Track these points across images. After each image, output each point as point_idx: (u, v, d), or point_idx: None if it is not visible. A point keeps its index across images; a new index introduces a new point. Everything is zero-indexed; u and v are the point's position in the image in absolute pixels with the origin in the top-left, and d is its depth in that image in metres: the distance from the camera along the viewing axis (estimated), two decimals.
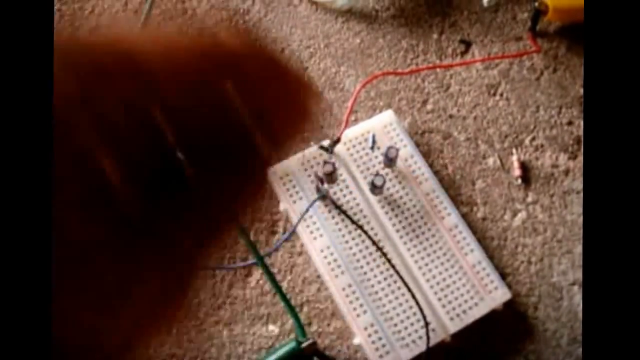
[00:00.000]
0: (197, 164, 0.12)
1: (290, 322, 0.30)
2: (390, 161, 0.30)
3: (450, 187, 0.32)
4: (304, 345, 0.28)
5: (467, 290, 0.29)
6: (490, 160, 0.33)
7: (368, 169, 0.31)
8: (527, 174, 0.33)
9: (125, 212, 0.12)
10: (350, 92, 0.34)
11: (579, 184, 0.32)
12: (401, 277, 0.29)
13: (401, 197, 0.30)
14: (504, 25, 0.36)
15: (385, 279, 0.29)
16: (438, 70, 0.35)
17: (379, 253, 0.29)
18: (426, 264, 0.29)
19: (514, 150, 0.33)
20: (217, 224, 0.14)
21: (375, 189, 0.30)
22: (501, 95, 0.34)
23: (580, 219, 0.31)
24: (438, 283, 0.29)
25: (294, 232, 0.31)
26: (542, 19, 0.35)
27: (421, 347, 0.28)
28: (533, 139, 0.33)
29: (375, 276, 0.29)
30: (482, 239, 0.31)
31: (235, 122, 0.13)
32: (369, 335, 0.28)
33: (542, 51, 0.35)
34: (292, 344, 0.28)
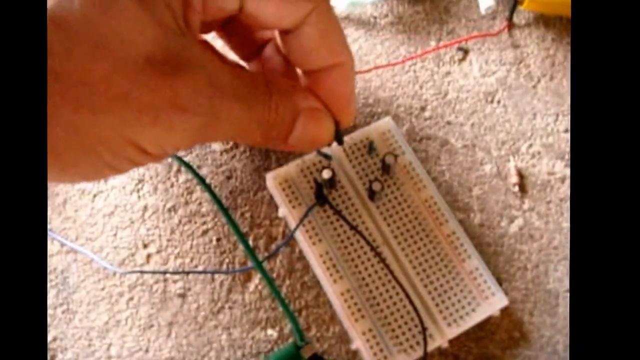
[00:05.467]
0: None
1: (289, 326, 0.30)
2: (388, 168, 0.31)
3: (448, 194, 0.33)
4: (302, 349, 0.28)
5: (465, 296, 0.29)
6: (487, 167, 0.33)
7: (367, 175, 0.31)
8: (523, 181, 0.33)
9: None
10: None
11: None
12: (399, 283, 0.29)
13: (399, 204, 0.31)
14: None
15: (383, 284, 0.29)
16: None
17: (377, 258, 0.30)
18: (424, 270, 0.30)
19: (511, 158, 0.33)
20: None
21: (373, 195, 0.30)
22: (498, 102, 0.35)
23: None
24: (436, 289, 0.29)
25: (292, 238, 0.31)
26: (518, 8, 0.36)
27: (418, 352, 0.28)
28: (530, 146, 0.34)
29: (373, 281, 0.29)
30: (479, 246, 0.31)
31: None
32: (367, 340, 0.28)
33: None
34: (291, 348, 0.28)
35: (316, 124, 0.24)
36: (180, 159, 0.31)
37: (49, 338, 0.30)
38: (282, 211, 0.31)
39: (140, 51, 0.17)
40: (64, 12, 0.16)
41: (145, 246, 0.32)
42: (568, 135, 0.34)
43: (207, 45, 0.24)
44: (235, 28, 0.25)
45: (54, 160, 0.17)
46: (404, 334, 0.28)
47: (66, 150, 0.17)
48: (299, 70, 0.26)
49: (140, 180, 0.33)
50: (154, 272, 0.31)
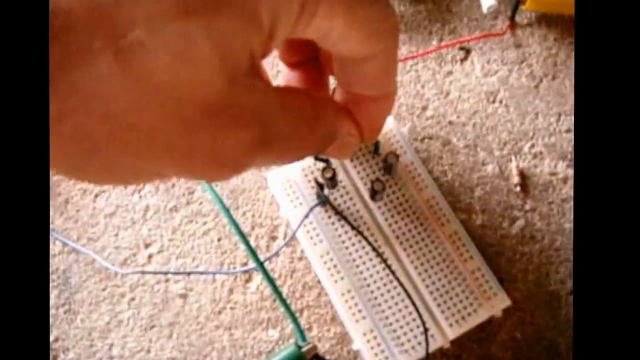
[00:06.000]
0: None
1: (290, 326, 0.30)
2: (390, 167, 0.31)
3: (450, 194, 0.32)
4: (303, 349, 0.28)
5: (466, 297, 0.29)
6: (489, 168, 0.33)
7: (368, 175, 0.31)
8: (525, 181, 0.33)
9: None
10: None
11: None
12: (400, 283, 0.29)
13: (401, 204, 0.31)
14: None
15: (384, 284, 0.29)
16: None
17: (378, 259, 0.29)
18: (425, 270, 0.30)
19: (512, 158, 0.33)
20: None
21: (375, 194, 0.30)
22: (500, 102, 0.35)
23: None
24: (437, 289, 0.29)
25: (294, 238, 0.31)
26: (520, 8, 0.36)
27: (420, 353, 0.28)
28: (532, 146, 0.34)
29: (374, 282, 0.29)
30: (481, 246, 0.31)
31: None
32: (368, 341, 0.28)
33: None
34: (292, 349, 0.28)
35: (347, 148, 0.25)
36: None
37: (51, 338, 0.30)
38: (284, 211, 0.31)
39: (200, 103, 0.16)
40: (135, 48, 0.14)
41: (146, 246, 0.32)
42: (570, 136, 0.34)
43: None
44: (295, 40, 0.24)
45: (79, 175, 0.17)
46: (405, 334, 0.28)
47: (94, 175, 0.17)
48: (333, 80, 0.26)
49: None
50: (155, 273, 0.31)
